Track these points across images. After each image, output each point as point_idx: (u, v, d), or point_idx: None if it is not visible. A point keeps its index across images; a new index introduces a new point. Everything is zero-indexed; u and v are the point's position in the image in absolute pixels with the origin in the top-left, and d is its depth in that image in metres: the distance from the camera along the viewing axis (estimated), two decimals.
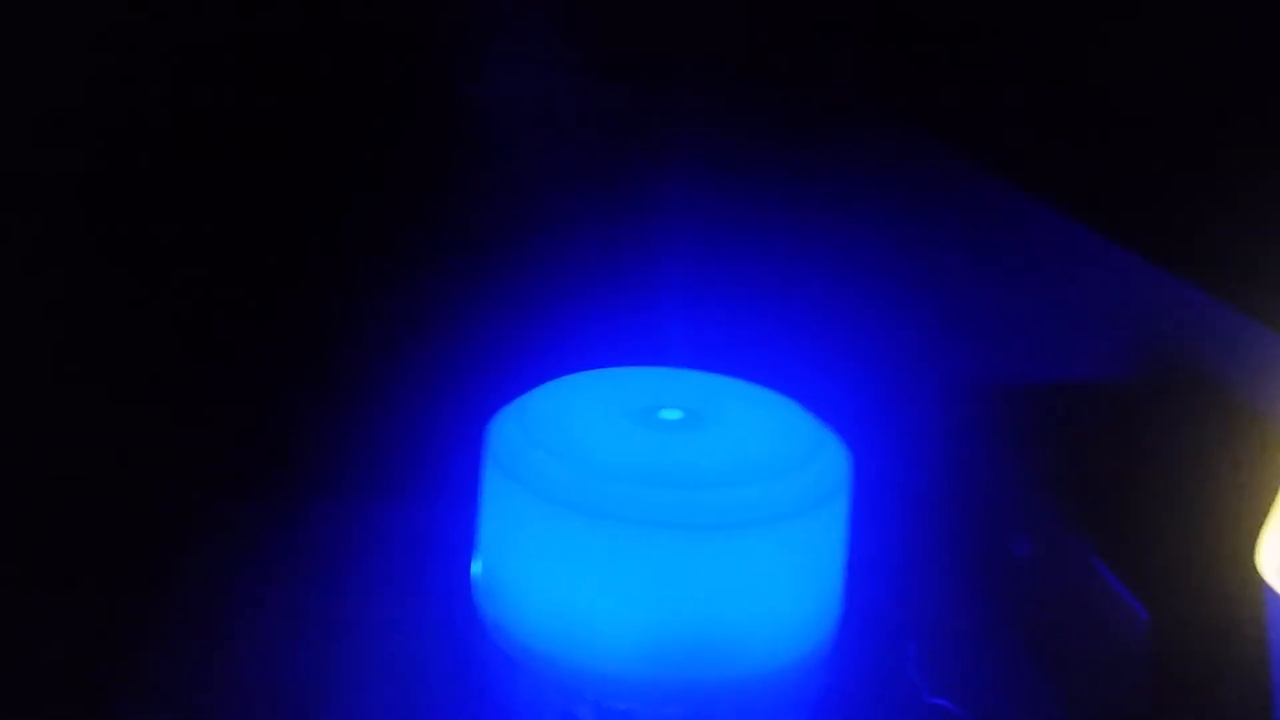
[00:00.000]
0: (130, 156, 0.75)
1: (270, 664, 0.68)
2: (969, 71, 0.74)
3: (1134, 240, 0.63)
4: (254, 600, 0.73)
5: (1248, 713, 0.55)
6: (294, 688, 0.66)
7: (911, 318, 0.82)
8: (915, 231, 0.81)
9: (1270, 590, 0.47)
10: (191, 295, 0.80)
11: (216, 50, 0.76)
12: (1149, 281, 0.63)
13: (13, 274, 0.72)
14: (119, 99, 0.74)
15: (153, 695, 0.65)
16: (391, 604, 0.73)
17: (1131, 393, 0.66)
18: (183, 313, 0.80)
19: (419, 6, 0.77)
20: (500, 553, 0.67)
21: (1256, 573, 0.47)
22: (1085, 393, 0.71)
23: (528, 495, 0.65)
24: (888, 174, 0.81)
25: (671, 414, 0.68)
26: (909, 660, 0.70)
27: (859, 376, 0.82)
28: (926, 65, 0.78)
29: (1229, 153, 0.58)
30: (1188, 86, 0.61)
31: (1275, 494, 0.48)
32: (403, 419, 0.82)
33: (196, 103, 0.76)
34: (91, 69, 0.73)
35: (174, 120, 0.76)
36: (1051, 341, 0.74)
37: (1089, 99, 0.67)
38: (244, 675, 0.67)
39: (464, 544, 0.70)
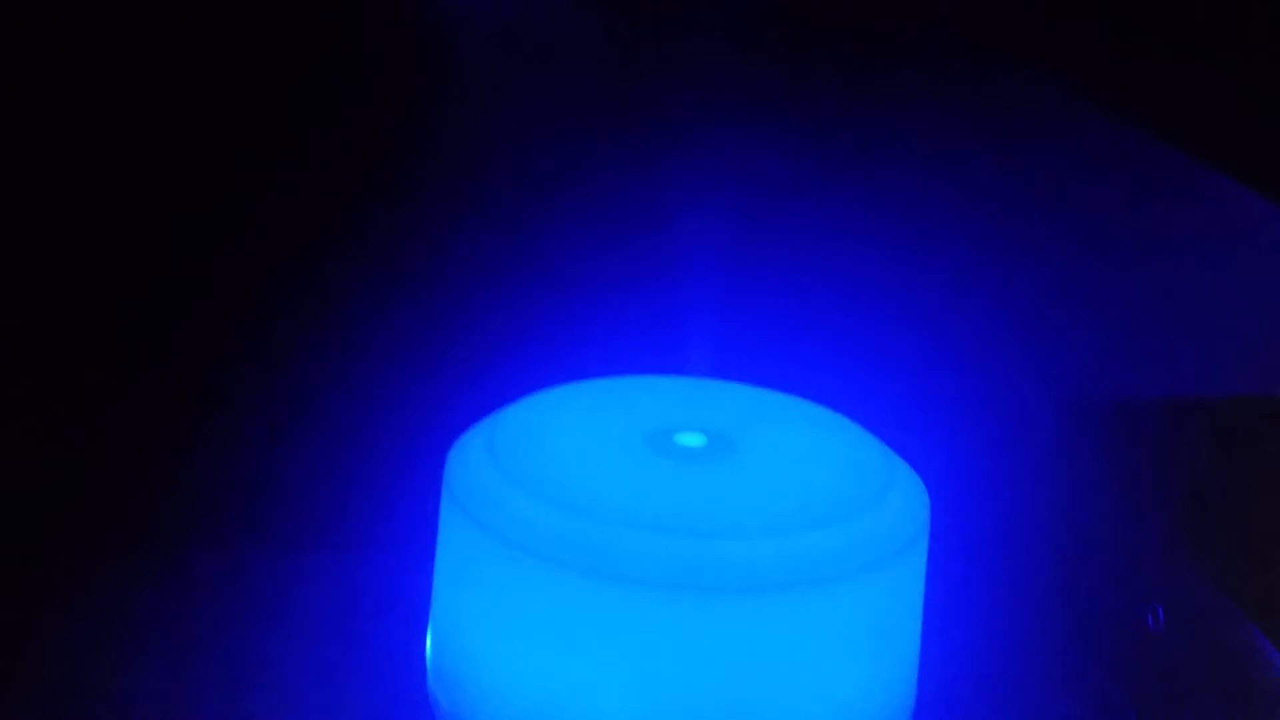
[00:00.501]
0: None
1: None
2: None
3: None
4: (139, 681, 0.69)
5: None
6: None
7: (1009, 315, 0.79)
8: (1016, 201, 0.78)
9: None
10: (90, 307, 0.78)
11: None
12: None
13: None
14: None
15: None
16: (321, 688, 0.71)
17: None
18: (79, 327, 0.78)
19: None
20: (462, 626, 0.63)
21: None
22: (1242, 412, 0.69)
23: (499, 548, 0.60)
24: (986, 124, 0.78)
25: (691, 438, 0.64)
26: None
27: (938, 390, 0.78)
28: None
29: None
30: None
31: None
32: (331, 445, 0.79)
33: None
34: None
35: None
36: (1196, 347, 0.72)
37: None
38: None
39: (413, 614, 0.68)
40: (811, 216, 0.77)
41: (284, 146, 0.77)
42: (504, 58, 0.77)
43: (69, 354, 0.79)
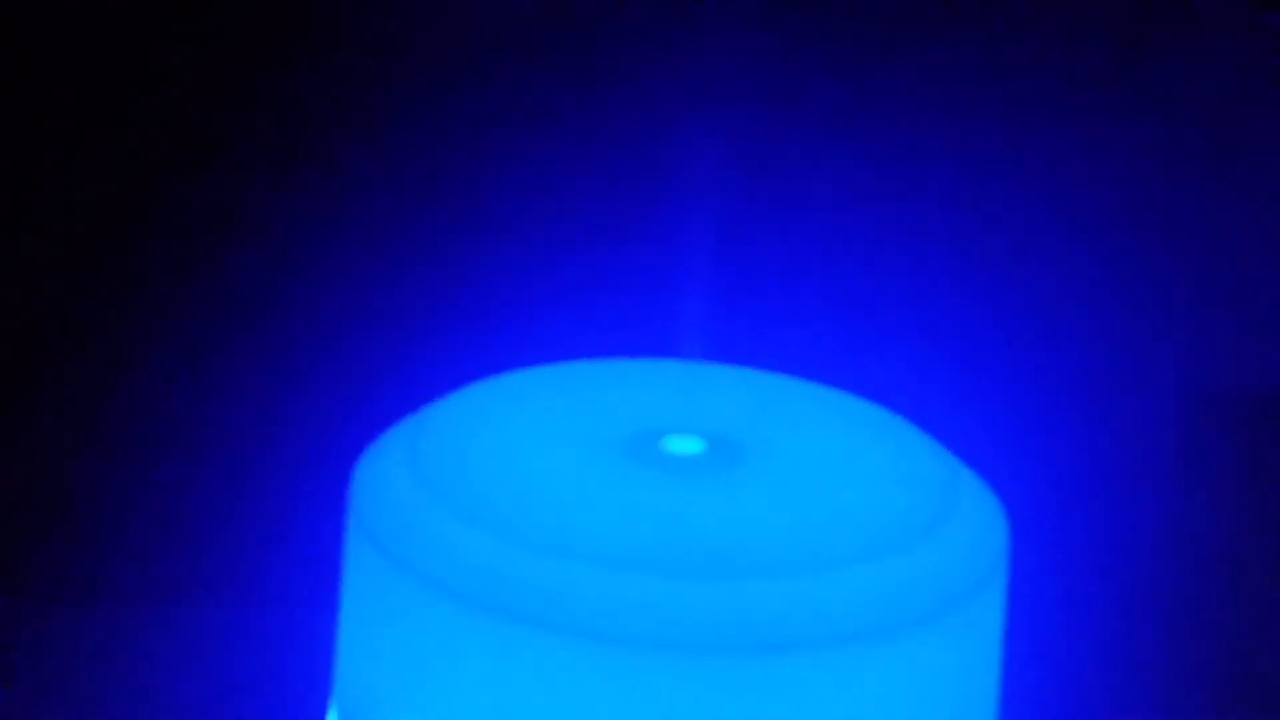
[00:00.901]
0: None
1: None
2: None
3: None
4: None
5: None
6: None
7: (1098, 289, 0.73)
8: (1096, 154, 0.72)
9: None
10: None
11: None
12: None
13: None
14: None
15: None
16: None
17: None
18: None
19: None
20: (375, 683, 0.55)
21: None
22: None
23: (423, 588, 0.52)
24: (1044, 66, 0.72)
25: (686, 443, 0.56)
26: None
27: (1014, 378, 0.72)
28: None
29: None
30: None
31: None
32: (215, 463, 0.73)
33: None
34: None
35: None
36: None
37: None
38: None
39: (314, 670, 0.62)
40: (845, 154, 0.71)
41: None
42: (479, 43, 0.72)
43: None
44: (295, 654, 0.68)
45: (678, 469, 0.55)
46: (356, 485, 0.55)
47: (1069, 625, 0.73)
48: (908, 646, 0.53)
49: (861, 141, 0.74)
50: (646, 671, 0.51)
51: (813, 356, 0.66)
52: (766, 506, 0.55)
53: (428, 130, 0.73)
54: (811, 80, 0.75)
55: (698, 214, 0.71)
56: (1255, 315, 0.74)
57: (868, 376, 0.62)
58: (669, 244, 0.72)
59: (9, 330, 0.76)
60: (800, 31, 0.73)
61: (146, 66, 0.74)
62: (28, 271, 0.76)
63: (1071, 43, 0.75)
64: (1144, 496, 0.74)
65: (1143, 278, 0.75)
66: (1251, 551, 0.71)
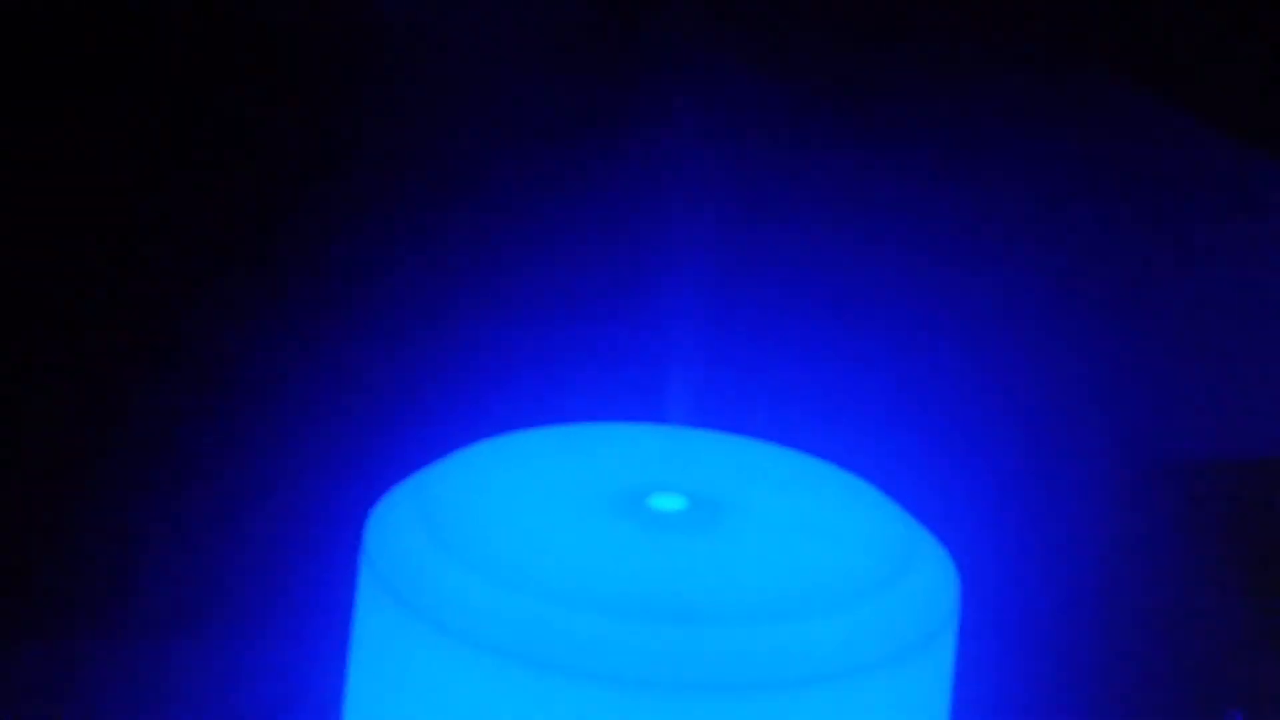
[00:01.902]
0: None
1: None
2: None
3: None
4: None
5: None
6: None
7: (1050, 363, 0.76)
8: (1049, 221, 0.76)
9: None
10: None
11: None
12: None
13: None
14: None
15: None
16: None
17: None
18: None
19: None
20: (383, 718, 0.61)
21: None
22: None
23: (431, 632, 0.54)
24: (1010, 140, 0.76)
25: (668, 501, 0.59)
26: None
27: (968, 446, 0.75)
28: None
29: None
30: None
31: None
32: (232, 511, 0.74)
33: None
34: None
35: None
36: (1257, 405, 0.70)
37: None
38: None
39: (325, 710, 0.63)
40: (810, 244, 0.74)
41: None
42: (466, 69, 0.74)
43: None
44: (306, 690, 0.69)
45: (662, 525, 0.57)
46: (369, 533, 0.58)
47: (1013, 673, 0.73)
48: (865, 689, 0.54)
49: (833, 223, 0.77)
50: (630, 707, 0.53)
51: (787, 424, 0.68)
52: (741, 560, 0.57)
53: (442, 211, 0.75)
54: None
55: (682, 294, 0.73)
56: (1190, 392, 0.75)
57: (837, 444, 0.65)
58: (657, 321, 0.74)
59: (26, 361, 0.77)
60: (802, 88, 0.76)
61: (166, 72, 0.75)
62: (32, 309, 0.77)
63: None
64: (1081, 556, 0.76)
65: (1086, 359, 0.77)
66: (1185, 611, 0.72)
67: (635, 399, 0.73)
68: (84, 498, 0.77)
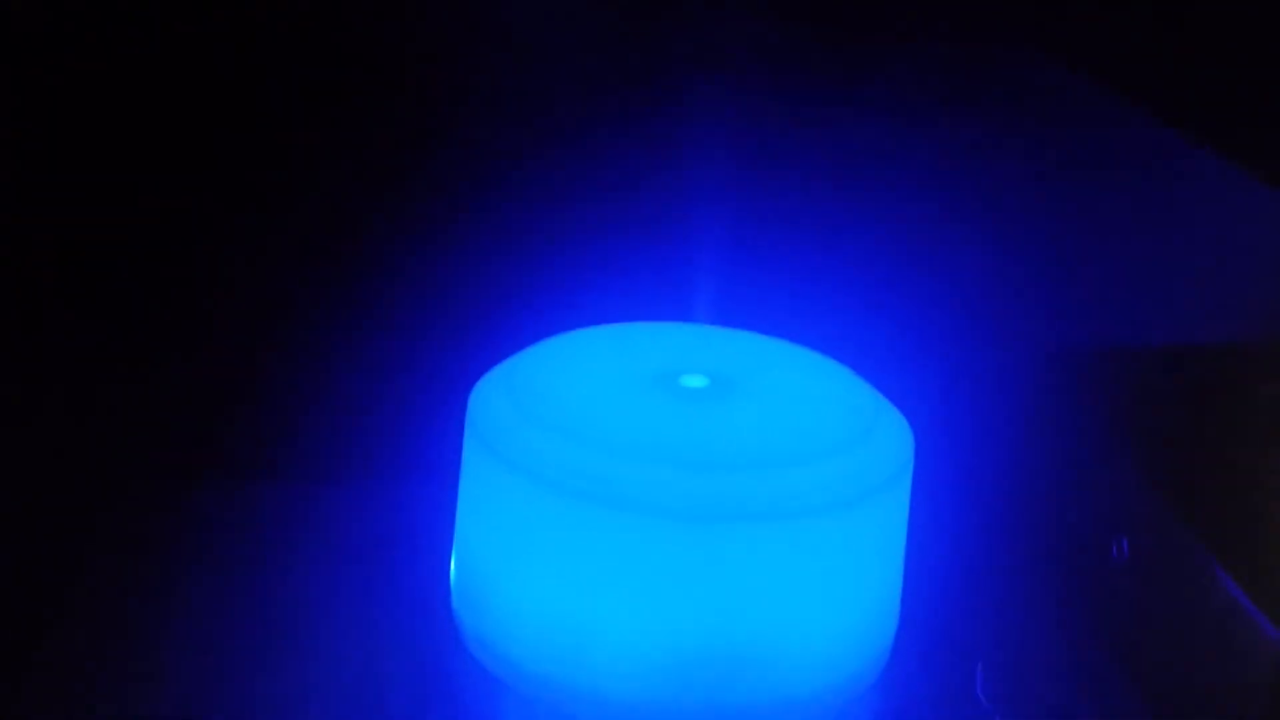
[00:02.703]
0: None
1: (201, 685, 0.66)
2: None
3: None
4: (174, 606, 0.71)
5: None
6: (230, 712, 0.65)
7: (991, 266, 0.81)
8: (997, 166, 0.80)
9: None
10: (109, 246, 0.79)
11: None
12: None
13: None
14: None
15: (54, 710, 0.64)
16: (349, 614, 0.71)
17: (1266, 359, 0.66)
18: (96, 266, 0.80)
19: None
20: (483, 550, 0.66)
21: None
22: (1204, 358, 0.71)
23: (517, 479, 0.63)
24: (972, 87, 0.81)
25: (695, 380, 0.67)
26: (977, 684, 0.69)
27: (923, 336, 0.81)
28: None
29: None
30: None
31: None
32: (361, 385, 0.81)
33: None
34: None
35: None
36: (1160, 296, 0.74)
37: None
38: (166, 701, 0.65)
39: (438, 540, 0.70)
40: (808, 174, 0.80)
41: (304, 112, 0.79)
42: (503, 18, 0.78)
43: (119, 311, 0.80)
44: (425, 526, 0.73)
45: (689, 397, 0.66)
46: (472, 404, 0.67)
47: (955, 511, 0.77)
48: (842, 522, 0.63)
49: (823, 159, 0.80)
50: (662, 534, 0.61)
51: (785, 320, 0.73)
52: (748, 422, 0.65)
53: (545, 155, 0.79)
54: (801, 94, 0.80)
55: (710, 232, 0.78)
56: (1101, 280, 0.79)
57: (823, 336, 0.71)
58: (687, 246, 0.79)
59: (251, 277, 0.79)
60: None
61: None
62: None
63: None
64: (1010, 423, 0.80)
65: (1012, 258, 0.81)
66: (1088, 467, 0.75)
67: (670, 305, 0.77)
68: (256, 373, 0.81)
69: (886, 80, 0.79)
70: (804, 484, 0.62)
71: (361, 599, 0.72)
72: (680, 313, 0.76)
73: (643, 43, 0.79)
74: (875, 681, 0.66)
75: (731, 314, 0.75)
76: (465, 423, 0.66)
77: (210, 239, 0.80)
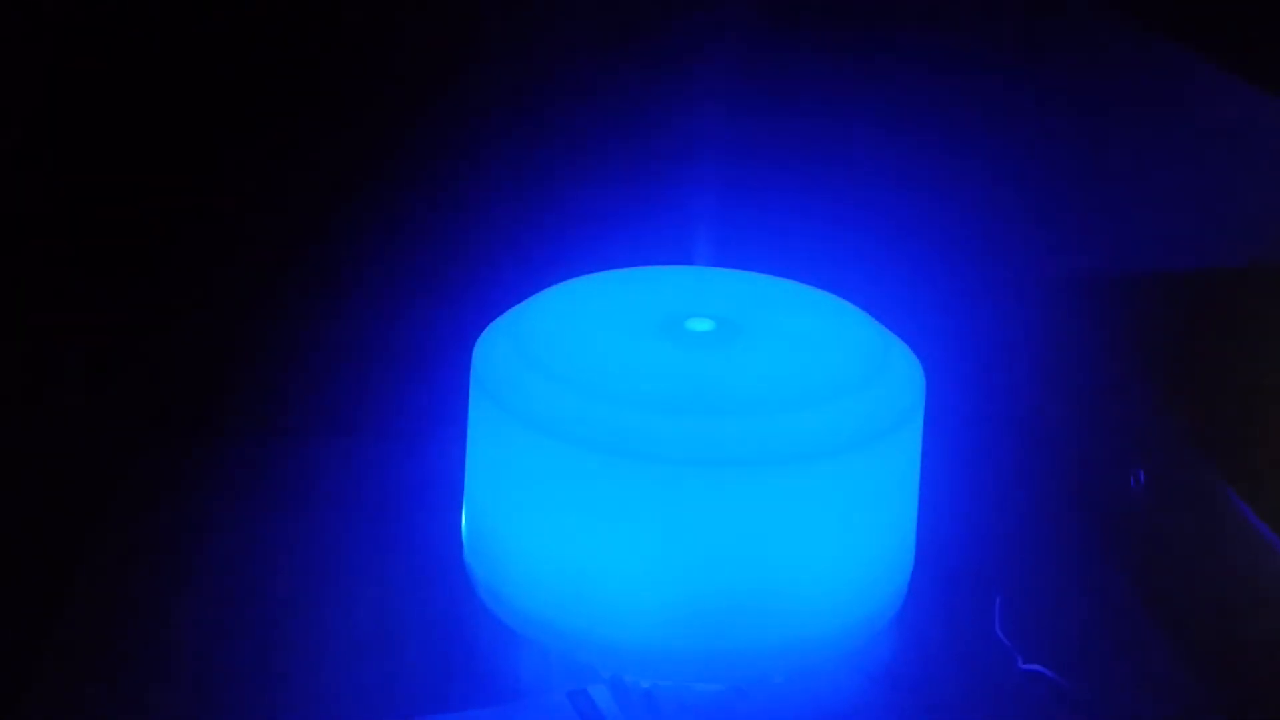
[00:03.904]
0: None
1: (218, 638, 0.67)
2: None
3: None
4: (189, 563, 0.71)
5: None
6: (247, 665, 0.65)
7: (998, 197, 0.81)
8: (1000, 92, 0.80)
9: None
10: (117, 202, 0.79)
11: None
12: None
13: None
14: None
15: (79, 663, 0.65)
16: (361, 565, 0.72)
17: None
18: (106, 220, 0.80)
19: None
20: (493, 501, 0.66)
21: None
22: (1217, 285, 0.70)
23: (524, 429, 0.64)
24: (964, 19, 0.80)
25: (701, 324, 0.68)
26: (995, 619, 0.69)
27: (932, 273, 0.81)
28: None
29: None
30: None
31: None
32: (369, 337, 0.81)
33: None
34: None
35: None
36: (1176, 223, 0.73)
37: None
38: (186, 653, 0.66)
39: (448, 491, 0.71)
40: (809, 111, 0.79)
41: (319, 68, 0.79)
42: None
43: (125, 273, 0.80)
44: (436, 482, 0.74)
45: (695, 342, 0.67)
46: (477, 354, 0.67)
47: (969, 448, 0.79)
48: (856, 463, 0.64)
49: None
50: (671, 480, 0.61)
51: (791, 262, 0.73)
52: (756, 366, 0.66)
53: (539, 115, 0.79)
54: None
55: (714, 175, 0.79)
56: (1107, 209, 0.78)
57: (829, 275, 0.72)
58: (689, 181, 0.80)
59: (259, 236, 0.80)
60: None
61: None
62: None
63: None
64: (1021, 357, 0.81)
65: (1020, 190, 0.81)
66: (1102, 398, 0.76)
67: (674, 248, 0.79)
68: (264, 328, 0.81)
69: (887, 15, 0.79)
70: (814, 426, 0.63)
71: (372, 551, 0.73)
72: (684, 256, 0.77)
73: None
74: (890, 623, 0.67)
75: (736, 256, 0.75)
76: (472, 374, 0.66)
77: (217, 197, 0.80)
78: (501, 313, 0.69)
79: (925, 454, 0.68)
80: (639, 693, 0.62)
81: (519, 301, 0.69)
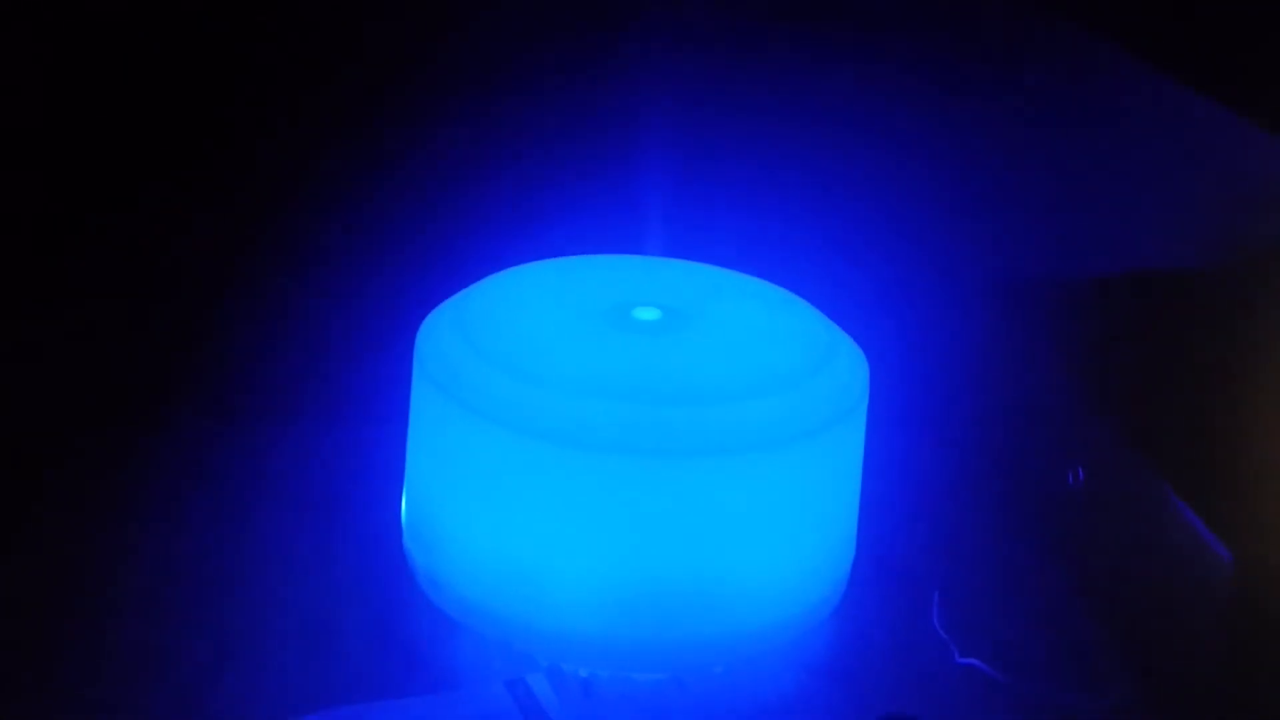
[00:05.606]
0: None
1: (151, 624, 0.66)
2: None
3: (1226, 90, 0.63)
4: (128, 546, 0.71)
5: None
6: (182, 654, 0.65)
7: (943, 196, 0.82)
8: (947, 94, 0.80)
9: None
10: (58, 185, 0.80)
11: None
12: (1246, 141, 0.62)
13: None
14: None
15: (5, 647, 0.64)
16: (301, 551, 0.72)
17: (1215, 286, 0.66)
18: (45, 205, 0.80)
19: None
20: (434, 487, 0.66)
21: None
22: (1156, 286, 0.71)
23: (467, 415, 0.64)
24: (915, 16, 0.81)
25: (647, 313, 0.68)
26: (934, 613, 0.70)
27: (876, 267, 0.81)
28: None
29: None
30: None
31: None
32: (311, 322, 0.81)
33: None
34: None
35: None
36: (1112, 225, 0.74)
37: None
38: (121, 638, 0.65)
39: (388, 477, 0.71)
40: (760, 105, 0.80)
41: (255, 52, 0.79)
42: None
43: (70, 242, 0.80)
44: (377, 468, 0.74)
45: (642, 331, 0.67)
46: (420, 340, 0.67)
47: (912, 442, 0.80)
48: (799, 454, 0.64)
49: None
50: (615, 470, 0.62)
51: (737, 253, 0.74)
52: (703, 356, 0.66)
53: (471, 111, 0.79)
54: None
55: (661, 163, 0.79)
56: (1052, 211, 0.79)
57: (776, 268, 0.72)
58: (637, 170, 0.80)
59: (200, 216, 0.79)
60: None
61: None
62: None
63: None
64: (965, 353, 0.81)
65: (967, 190, 0.82)
66: (1041, 396, 0.77)
67: (622, 238, 0.79)
68: (206, 315, 0.81)
69: (838, 14, 0.80)
70: (758, 418, 0.63)
71: (312, 537, 0.73)
72: (632, 245, 0.77)
73: None
74: (832, 613, 0.67)
75: (684, 246, 0.76)
76: (415, 360, 0.66)
77: (157, 183, 0.80)
78: (445, 299, 0.69)
79: (867, 448, 0.68)
80: (577, 682, 0.62)
81: (465, 287, 0.69)
